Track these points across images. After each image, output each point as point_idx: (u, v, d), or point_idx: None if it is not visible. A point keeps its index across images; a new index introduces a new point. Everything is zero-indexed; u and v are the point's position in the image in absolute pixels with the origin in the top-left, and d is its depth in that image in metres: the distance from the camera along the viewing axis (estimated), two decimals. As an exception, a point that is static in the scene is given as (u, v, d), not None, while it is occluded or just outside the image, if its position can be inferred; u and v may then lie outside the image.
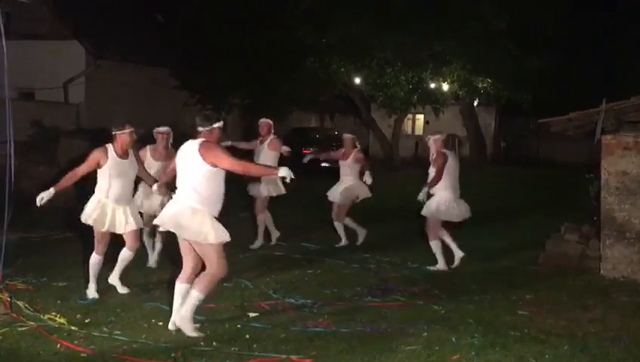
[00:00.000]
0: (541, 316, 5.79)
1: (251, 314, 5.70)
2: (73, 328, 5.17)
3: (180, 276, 5.17)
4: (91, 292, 6.13)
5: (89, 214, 6.10)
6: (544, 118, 8.24)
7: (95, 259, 6.21)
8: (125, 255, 6.32)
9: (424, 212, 7.45)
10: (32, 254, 7.93)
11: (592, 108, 7.46)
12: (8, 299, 5.51)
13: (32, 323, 5.22)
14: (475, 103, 22.58)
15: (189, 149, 4.99)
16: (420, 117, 25.74)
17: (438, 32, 17.09)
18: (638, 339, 5.18)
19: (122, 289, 6.32)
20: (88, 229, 9.75)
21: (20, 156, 12.07)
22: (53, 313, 5.47)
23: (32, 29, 16.49)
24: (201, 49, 19.08)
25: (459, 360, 4.60)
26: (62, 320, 5.31)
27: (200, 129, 5.08)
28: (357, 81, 19.95)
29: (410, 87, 18.41)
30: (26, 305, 5.61)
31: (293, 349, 4.78)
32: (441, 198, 7.40)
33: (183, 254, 5.15)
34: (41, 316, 5.40)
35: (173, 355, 4.60)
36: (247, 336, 5.05)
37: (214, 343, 4.88)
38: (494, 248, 9.21)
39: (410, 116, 25.11)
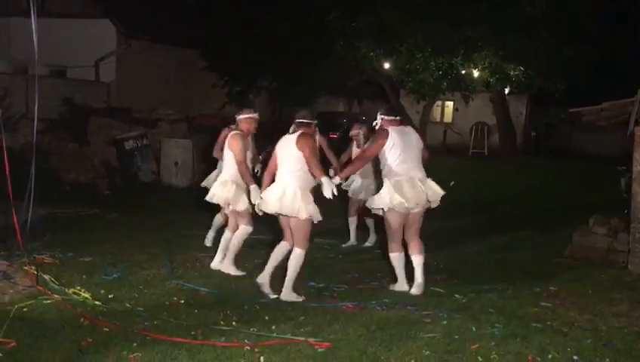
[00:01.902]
0: (565, 308, 5.69)
1: (271, 296, 5.73)
2: (97, 303, 5.26)
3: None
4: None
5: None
6: (576, 108, 8.06)
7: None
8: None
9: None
10: (60, 229, 8.08)
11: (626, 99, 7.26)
12: (34, 273, 5.63)
13: (56, 296, 5.33)
14: (506, 91, 22.18)
15: (290, 139, 5.74)
16: (450, 104, 25.41)
17: (471, 18, 16.79)
18: (665, 336, 5.06)
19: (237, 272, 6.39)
20: (114, 208, 9.96)
21: (50, 133, 12.33)
22: (78, 287, 5.57)
23: (65, 8, 16.68)
24: (232, 32, 19.10)
25: (478, 349, 4.55)
26: (86, 295, 5.40)
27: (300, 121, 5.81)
28: (386, 66, 19.75)
29: (440, 73, 18.16)
30: (52, 279, 5.73)
31: (312, 332, 4.78)
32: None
33: (283, 227, 5.83)
34: (66, 290, 5.50)
35: (193, 333, 4.64)
36: (267, 318, 5.08)
37: (234, 323, 4.92)
38: (520, 239, 9.10)
39: (439, 103, 24.80)
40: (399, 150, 5.87)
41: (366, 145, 7.05)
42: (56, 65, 16.68)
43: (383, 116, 6.09)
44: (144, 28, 17.74)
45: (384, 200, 5.85)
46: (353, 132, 7.99)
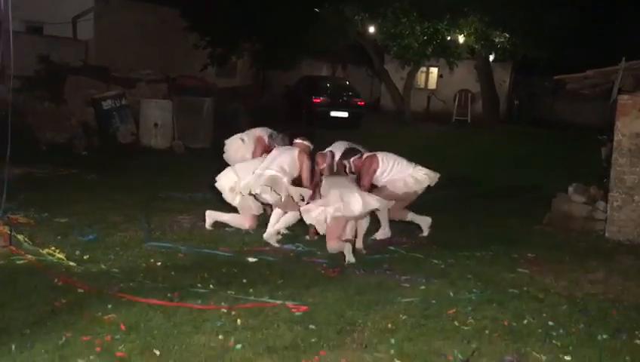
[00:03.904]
0: (542, 275, 5.74)
1: (250, 259, 5.69)
2: (71, 264, 5.18)
3: None
4: None
5: None
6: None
7: None
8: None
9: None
10: (36, 189, 7.93)
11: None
12: (8, 232, 5.50)
13: (30, 256, 5.23)
14: (491, 58, 22.06)
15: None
16: (434, 70, 25.24)
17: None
18: (638, 303, 5.12)
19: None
20: (92, 169, 9.79)
21: (26, 91, 12.02)
22: (53, 248, 5.47)
23: (41, -38, 16.10)
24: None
25: (455, 314, 4.57)
26: (61, 256, 5.31)
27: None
28: (371, 30, 19.49)
29: (425, 38, 17.97)
30: (26, 239, 5.62)
31: (290, 296, 4.76)
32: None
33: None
34: (40, 250, 5.40)
35: (169, 295, 4.59)
36: (244, 281, 5.04)
37: (211, 286, 4.88)
38: (499, 206, 9.15)
39: (423, 69, 24.60)
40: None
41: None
42: (33, 22, 16.19)
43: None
44: (123, -16, 17.25)
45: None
46: (321, 165, 6.80)
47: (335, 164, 6.75)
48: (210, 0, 18.89)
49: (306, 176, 6.40)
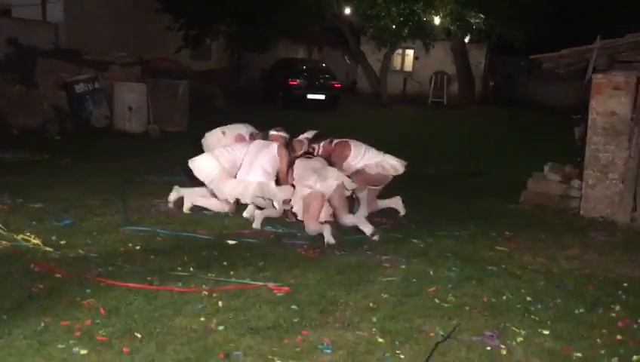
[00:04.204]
0: (519, 252, 5.82)
1: (230, 242, 5.66)
2: (48, 249, 5.09)
3: None
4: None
5: None
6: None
7: None
8: None
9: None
10: (8, 174, 7.77)
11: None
12: (-19, 219, 5.38)
13: (4, 242, 5.13)
14: (467, 40, 22.16)
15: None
16: (410, 52, 25.28)
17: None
18: (613, 277, 5.23)
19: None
20: (66, 153, 9.61)
21: (-4, 75, 11.72)
22: (28, 233, 5.37)
23: (8, -59, 15.67)
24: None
25: (435, 292, 4.61)
26: (36, 241, 5.22)
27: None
28: (347, 11, 19.40)
29: (402, 19, 17.96)
30: (0, 225, 5.50)
31: (271, 277, 4.76)
32: None
33: None
34: (15, 236, 5.30)
35: (149, 279, 4.55)
36: (225, 263, 5.01)
37: (191, 269, 4.84)
38: (476, 185, 9.23)
39: (399, 51, 24.63)
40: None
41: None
42: (1, 4, 15.76)
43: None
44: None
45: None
46: (298, 152, 6.75)
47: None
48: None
49: (284, 171, 6.41)
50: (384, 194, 6.93)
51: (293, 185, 6.28)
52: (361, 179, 6.49)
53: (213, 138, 7.15)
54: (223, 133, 7.13)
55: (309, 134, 6.93)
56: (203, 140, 7.21)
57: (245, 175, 6.32)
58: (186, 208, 6.58)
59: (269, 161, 6.37)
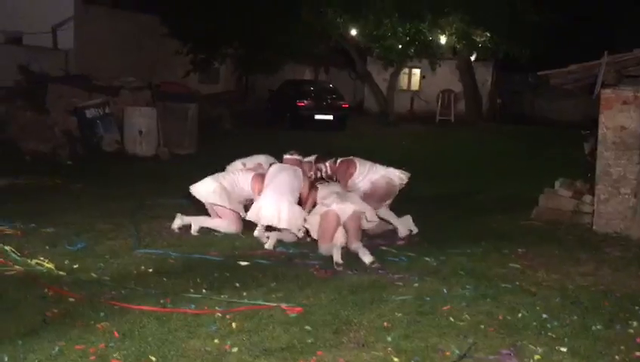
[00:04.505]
0: (533, 269, 5.77)
1: (242, 263, 5.65)
2: (61, 273, 5.11)
3: None
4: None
5: None
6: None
7: None
8: None
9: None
10: (21, 200, 7.83)
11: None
12: (-6, 244, 5.42)
13: (18, 267, 5.15)
14: (473, 58, 22.25)
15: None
16: (417, 71, 25.39)
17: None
18: (630, 293, 5.17)
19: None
20: (77, 178, 9.68)
21: (7, 102, 11.88)
22: (41, 258, 5.39)
23: (20, -28, 15.97)
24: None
25: (450, 310, 4.58)
26: (50, 266, 5.24)
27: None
28: (353, 32, 19.56)
29: (408, 39, 18.08)
30: (13, 250, 5.53)
31: (284, 298, 4.74)
32: None
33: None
34: (29, 261, 5.32)
35: (162, 301, 4.55)
36: (237, 284, 5.01)
37: (204, 290, 4.84)
38: (488, 202, 9.19)
39: (406, 70, 24.76)
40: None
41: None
42: (12, 32, 16.02)
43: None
44: (103, -8, 17.14)
45: None
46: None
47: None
48: (190, 6, 18.83)
49: (305, 194, 6.45)
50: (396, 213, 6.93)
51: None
52: (376, 198, 6.51)
53: (233, 169, 7.20)
54: (244, 164, 7.18)
55: (312, 158, 7.02)
56: (225, 169, 7.27)
57: (275, 195, 6.27)
58: (193, 231, 6.59)
59: (296, 179, 6.42)
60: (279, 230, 6.35)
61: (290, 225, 6.20)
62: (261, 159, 7.23)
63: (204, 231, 6.62)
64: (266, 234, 6.37)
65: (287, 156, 6.80)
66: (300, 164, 6.72)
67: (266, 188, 6.40)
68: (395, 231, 6.84)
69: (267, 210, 6.23)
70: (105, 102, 12.85)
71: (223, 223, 6.61)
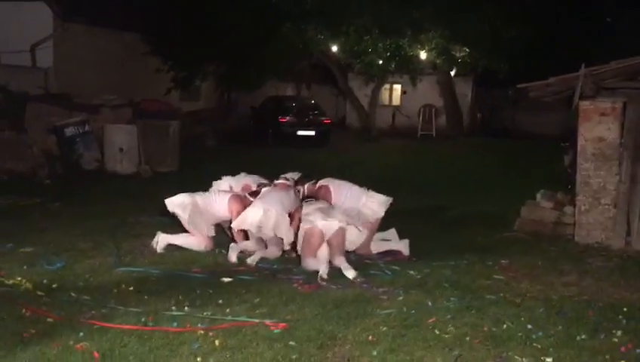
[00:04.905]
0: (517, 280, 5.78)
1: (225, 279, 5.58)
2: (39, 293, 5.00)
3: None
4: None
5: None
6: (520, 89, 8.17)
7: None
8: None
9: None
10: (-2, 220, 7.68)
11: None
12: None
13: (-5, 288, 5.04)
14: (453, 73, 22.49)
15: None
16: (397, 87, 25.57)
17: (417, -1, 16.93)
18: (613, 303, 5.19)
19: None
20: (56, 197, 9.55)
21: (-15, 121, 11.70)
22: (19, 278, 5.28)
23: (-3, -10, 15.83)
24: (175, 14, 18.56)
25: (435, 323, 4.55)
26: (28, 285, 5.13)
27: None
28: (334, 48, 19.68)
29: (388, 54, 18.24)
30: (-10, 271, 5.41)
31: (267, 314, 4.68)
32: None
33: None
34: (6, 281, 5.20)
35: (143, 320, 4.47)
36: (220, 301, 4.94)
37: (186, 308, 4.76)
38: (470, 215, 9.22)
39: (387, 86, 24.93)
40: None
41: None
42: (-11, 51, 15.82)
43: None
44: (82, 10, 17.01)
45: None
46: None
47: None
48: (171, 24, 18.80)
49: (295, 215, 6.39)
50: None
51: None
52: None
53: (220, 188, 7.15)
54: (231, 186, 7.13)
55: (294, 175, 7.00)
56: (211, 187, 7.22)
57: (264, 205, 6.22)
58: (159, 248, 6.49)
59: (287, 198, 6.40)
60: (264, 245, 6.31)
61: (278, 231, 6.14)
62: (248, 180, 7.20)
63: (176, 247, 6.52)
64: (244, 247, 6.31)
65: (278, 181, 6.83)
66: (289, 187, 6.72)
67: (255, 201, 6.37)
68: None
69: (254, 214, 6.19)
70: (84, 120, 12.72)
71: (194, 241, 6.56)
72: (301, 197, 6.75)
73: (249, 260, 6.13)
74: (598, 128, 7.31)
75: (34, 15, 16.26)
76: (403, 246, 6.70)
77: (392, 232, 6.90)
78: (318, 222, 5.99)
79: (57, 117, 12.68)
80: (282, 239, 6.24)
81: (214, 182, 7.34)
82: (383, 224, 6.84)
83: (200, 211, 6.49)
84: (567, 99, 7.94)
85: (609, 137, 7.28)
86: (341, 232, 6.04)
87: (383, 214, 6.68)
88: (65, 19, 16.71)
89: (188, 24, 18.64)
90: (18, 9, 16.20)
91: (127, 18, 17.96)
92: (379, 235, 6.83)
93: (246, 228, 6.33)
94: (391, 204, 6.72)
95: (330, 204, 6.56)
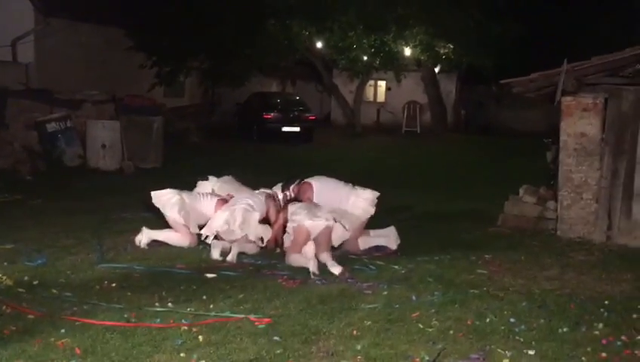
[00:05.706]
0: (500, 275, 5.83)
1: (209, 275, 5.56)
2: (20, 290, 4.94)
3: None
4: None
5: None
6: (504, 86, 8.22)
7: None
8: None
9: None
10: (-22, 217, 7.57)
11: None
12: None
13: (-25, 285, 4.97)
14: (437, 70, 22.57)
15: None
16: (382, 83, 25.61)
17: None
18: (594, 296, 5.25)
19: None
20: (38, 193, 9.43)
21: (-35, 116, 11.51)
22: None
23: (-23, -16, 15.58)
24: (159, 9, 18.41)
25: (419, 317, 4.57)
26: (8, 282, 5.07)
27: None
28: (319, 45, 19.65)
29: (373, 50, 18.25)
30: (-31, 268, 5.33)
31: (252, 309, 4.67)
32: None
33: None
34: (-14, 278, 5.13)
35: (126, 316, 4.43)
36: (204, 297, 4.91)
37: (170, 304, 4.73)
38: (454, 210, 9.26)
39: (371, 82, 24.95)
40: None
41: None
42: (-31, 47, 15.60)
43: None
44: (64, 5, 16.82)
45: None
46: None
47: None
48: (155, 19, 18.64)
49: (273, 216, 6.47)
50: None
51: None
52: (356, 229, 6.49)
53: (203, 188, 7.11)
54: (213, 190, 7.08)
55: (278, 187, 7.04)
56: (196, 187, 7.18)
57: (230, 207, 6.31)
58: (143, 244, 6.46)
59: (256, 202, 6.42)
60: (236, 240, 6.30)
61: (246, 228, 6.14)
62: (230, 182, 7.18)
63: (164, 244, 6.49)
64: (219, 243, 6.29)
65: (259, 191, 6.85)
66: (273, 199, 6.71)
67: (222, 207, 6.43)
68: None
69: (219, 217, 6.24)
70: (66, 116, 12.58)
71: (176, 236, 6.53)
72: (288, 199, 6.74)
73: (229, 258, 6.10)
74: (579, 123, 7.38)
75: (15, 9, 16.04)
76: (392, 242, 6.69)
77: (391, 230, 6.87)
78: (305, 221, 5.99)
79: (39, 112, 12.53)
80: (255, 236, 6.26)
81: (199, 182, 7.30)
82: (378, 221, 6.82)
83: (187, 209, 6.47)
84: (550, 95, 7.99)
85: (591, 133, 7.35)
86: (327, 231, 6.05)
87: (373, 211, 6.65)
88: (47, 14, 16.50)
89: (172, 20, 18.49)
90: (0, 3, 15.97)
91: (111, 13, 17.78)
92: (376, 232, 6.81)
93: (215, 233, 6.31)
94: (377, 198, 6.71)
95: (312, 201, 6.55)
